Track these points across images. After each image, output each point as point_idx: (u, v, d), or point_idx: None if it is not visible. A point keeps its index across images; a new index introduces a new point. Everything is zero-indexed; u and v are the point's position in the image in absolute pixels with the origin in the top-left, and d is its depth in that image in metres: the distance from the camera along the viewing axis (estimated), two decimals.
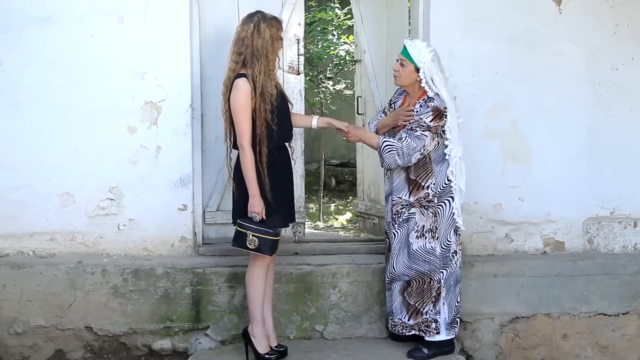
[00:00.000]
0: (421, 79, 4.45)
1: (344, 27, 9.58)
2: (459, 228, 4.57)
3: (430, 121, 4.36)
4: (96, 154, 4.96)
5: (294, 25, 5.34)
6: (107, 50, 4.93)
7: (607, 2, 5.30)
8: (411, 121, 4.41)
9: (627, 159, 5.38)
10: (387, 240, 4.64)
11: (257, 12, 4.35)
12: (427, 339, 4.55)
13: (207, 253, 5.15)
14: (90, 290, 4.78)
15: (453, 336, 4.61)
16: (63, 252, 4.99)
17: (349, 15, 8.77)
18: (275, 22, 4.31)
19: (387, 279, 4.65)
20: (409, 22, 5.56)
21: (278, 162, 4.33)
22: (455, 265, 4.56)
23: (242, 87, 4.19)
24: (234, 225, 4.35)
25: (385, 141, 4.41)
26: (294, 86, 5.33)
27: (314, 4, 9.83)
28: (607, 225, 5.41)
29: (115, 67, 4.93)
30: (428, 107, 4.41)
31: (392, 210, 4.56)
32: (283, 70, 5.32)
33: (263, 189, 4.23)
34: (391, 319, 4.61)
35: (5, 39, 4.88)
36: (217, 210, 5.34)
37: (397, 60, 4.54)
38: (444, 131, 4.41)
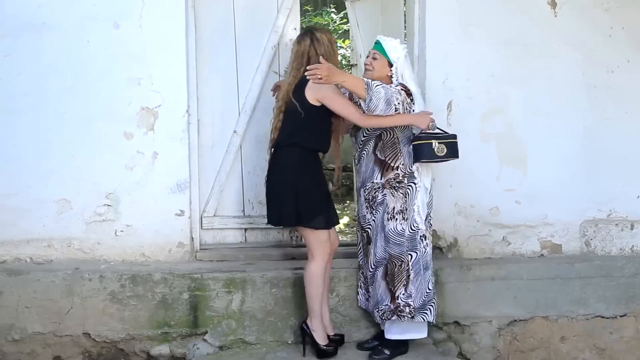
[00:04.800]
0: (392, 74, 4.47)
1: (339, 32, 9.61)
2: (429, 215, 4.54)
3: (401, 89, 4.35)
4: (92, 160, 4.95)
5: (289, 30, 5.35)
6: (102, 56, 4.93)
7: (602, 5, 5.32)
8: None
9: (623, 161, 5.38)
10: (364, 234, 4.61)
11: (308, 28, 4.65)
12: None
13: (204, 258, 5.16)
14: (87, 297, 4.78)
15: (424, 321, 4.56)
16: (60, 258, 4.99)
17: (345, 20, 8.80)
18: (327, 29, 4.61)
19: (370, 271, 4.60)
20: (405, 26, 5.57)
21: (320, 168, 4.50)
22: (423, 250, 4.50)
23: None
24: (270, 224, 4.59)
25: (372, 80, 4.32)
26: None
27: (309, 9, 9.86)
28: (604, 228, 5.41)
29: (111, 73, 4.93)
30: (391, 78, 4.46)
31: (367, 197, 4.54)
32: (279, 75, 5.33)
33: (315, 188, 4.42)
34: (377, 310, 4.56)
35: (0, 45, 4.88)
36: (214, 215, 5.34)
37: (368, 55, 4.54)
38: (412, 110, 4.39)
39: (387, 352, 4.56)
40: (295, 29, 5.37)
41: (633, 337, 5.26)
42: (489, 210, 5.27)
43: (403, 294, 4.47)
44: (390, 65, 4.47)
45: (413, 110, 4.39)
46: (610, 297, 5.20)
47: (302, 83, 4.36)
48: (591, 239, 5.40)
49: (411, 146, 4.42)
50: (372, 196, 4.52)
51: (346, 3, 6.48)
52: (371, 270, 4.59)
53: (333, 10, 9.57)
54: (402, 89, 4.36)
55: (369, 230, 4.57)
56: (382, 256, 4.52)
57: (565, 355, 5.20)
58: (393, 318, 4.52)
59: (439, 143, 4.36)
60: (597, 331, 5.21)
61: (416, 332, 4.60)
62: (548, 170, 5.30)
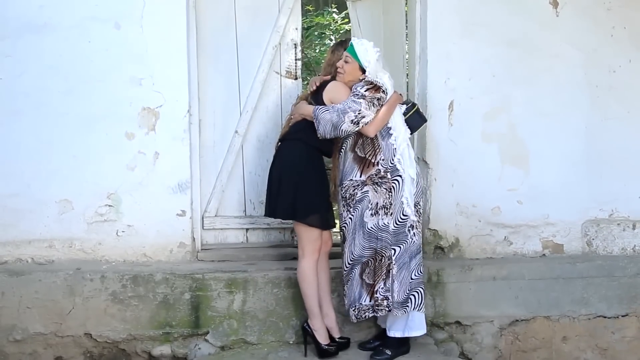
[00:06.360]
0: (365, 79, 4.45)
1: (341, 32, 9.60)
2: (418, 203, 4.52)
3: (365, 91, 4.35)
4: (94, 160, 4.95)
5: (291, 30, 5.35)
6: (104, 56, 4.92)
7: (604, 5, 5.31)
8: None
9: (625, 161, 5.38)
10: (342, 232, 4.60)
11: (345, 39, 4.78)
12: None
13: (205, 258, 5.16)
14: (89, 297, 4.78)
15: (406, 313, 4.49)
16: (62, 258, 4.99)
17: (347, 20, 8.79)
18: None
19: (345, 269, 4.57)
20: (406, 26, 5.56)
21: (323, 169, 4.56)
22: (410, 240, 4.46)
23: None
24: (266, 215, 4.59)
25: (321, 106, 4.42)
26: (291, 91, 5.33)
27: (311, 9, 9.85)
28: (606, 228, 5.41)
29: (112, 73, 4.93)
30: (361, 81, 4.43)
31: (345, 195, 4.52)
32: (280, 75, 5.33)
33: (314, 185, 4.48)
34: (353, 310, 4.53)
35: (2, 46, 4.87)
36: (215, 215, 5.34)
37: (341, 57, 4.52)
38: (381, 105, 4.38)
39: (388, 352, 4.55)
40: (296, 28, 5.37)
41: (635, 337, 5.26)
42: (491, 210, 5.27)
43: (382, 288, 4.44)
44: (362, 70, 4.45)
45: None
46: (612, 297, 5.20)
47: (322, 87, 4.49)
48: (593, 239, 5.40)
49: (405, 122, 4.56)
50: (350, 194, 4.49)
51: (348, 3, 6.46)
52: (346, 268, 4.56)
53: (334, 10, 9.56)
54: (367, 89, 4.36)
55: (344, 228, 4.55)
56: (359, 254, 4.49)
57: (567, 355, 5.20)
58: (370, 315, 4.50)
59: (419, 107, 4.66)
60: (599, 331, 5.21)
61: (417, 329, 4.56)
62: (550, 170, 5.30)
